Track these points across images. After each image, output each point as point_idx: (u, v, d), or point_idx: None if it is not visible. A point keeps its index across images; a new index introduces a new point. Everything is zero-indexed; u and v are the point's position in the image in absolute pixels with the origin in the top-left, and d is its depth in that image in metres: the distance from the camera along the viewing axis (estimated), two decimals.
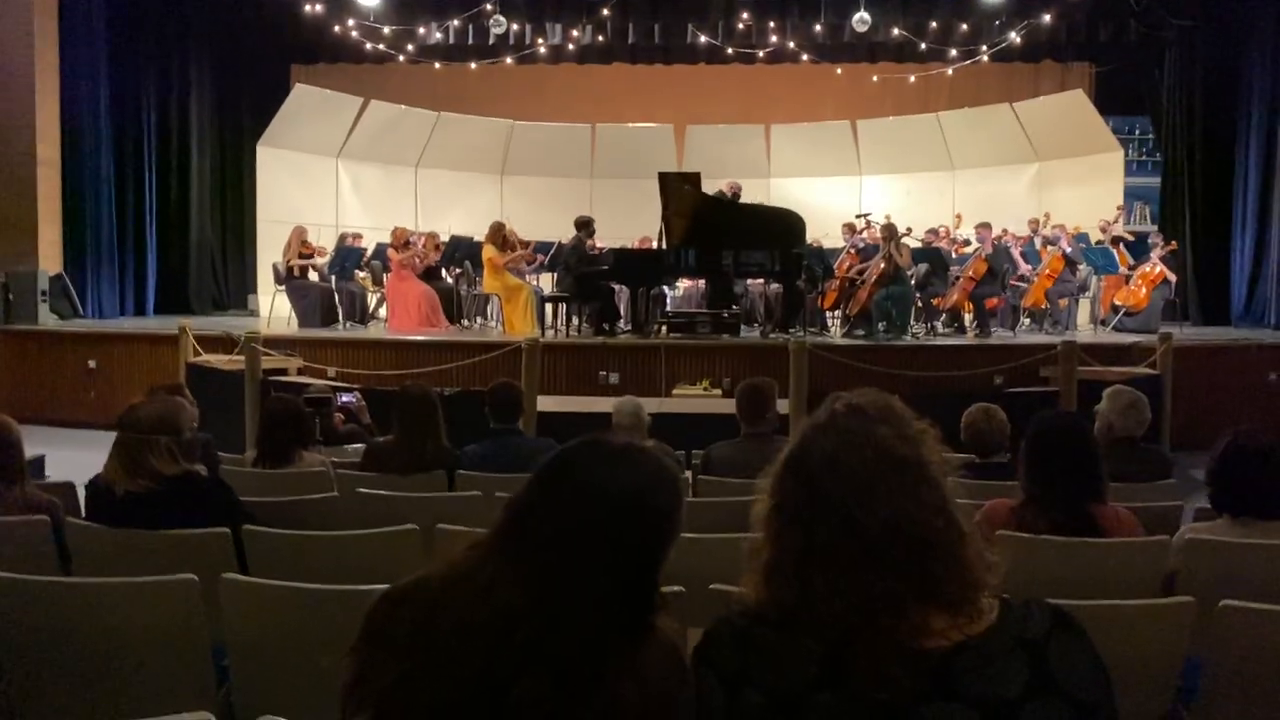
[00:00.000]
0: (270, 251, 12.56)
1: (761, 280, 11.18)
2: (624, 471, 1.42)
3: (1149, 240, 11.88)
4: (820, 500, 1.32)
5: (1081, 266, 11.63)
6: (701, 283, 11.58)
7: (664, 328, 10.37)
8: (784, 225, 10.40)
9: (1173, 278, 11.46)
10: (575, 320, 10.92)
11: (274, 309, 12.00)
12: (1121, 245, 11.99)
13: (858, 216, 12.38)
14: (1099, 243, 11.99)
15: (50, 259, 11.88)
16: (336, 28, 13.62)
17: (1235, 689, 2.26)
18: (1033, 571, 2.70)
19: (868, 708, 1.27)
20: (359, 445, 5.68)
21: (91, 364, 10.19)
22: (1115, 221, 12.38)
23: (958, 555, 1.31)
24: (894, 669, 1.25)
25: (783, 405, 5.73)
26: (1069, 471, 2.87)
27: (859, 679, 1.26)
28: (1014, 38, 13.71)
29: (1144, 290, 11.28)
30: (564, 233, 11.67)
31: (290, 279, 11.60)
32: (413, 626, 1.35)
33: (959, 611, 1.29)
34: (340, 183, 14.35)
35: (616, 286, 10.83)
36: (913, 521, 1.29)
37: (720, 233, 10.22)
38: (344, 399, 6.73)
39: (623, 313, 10.87)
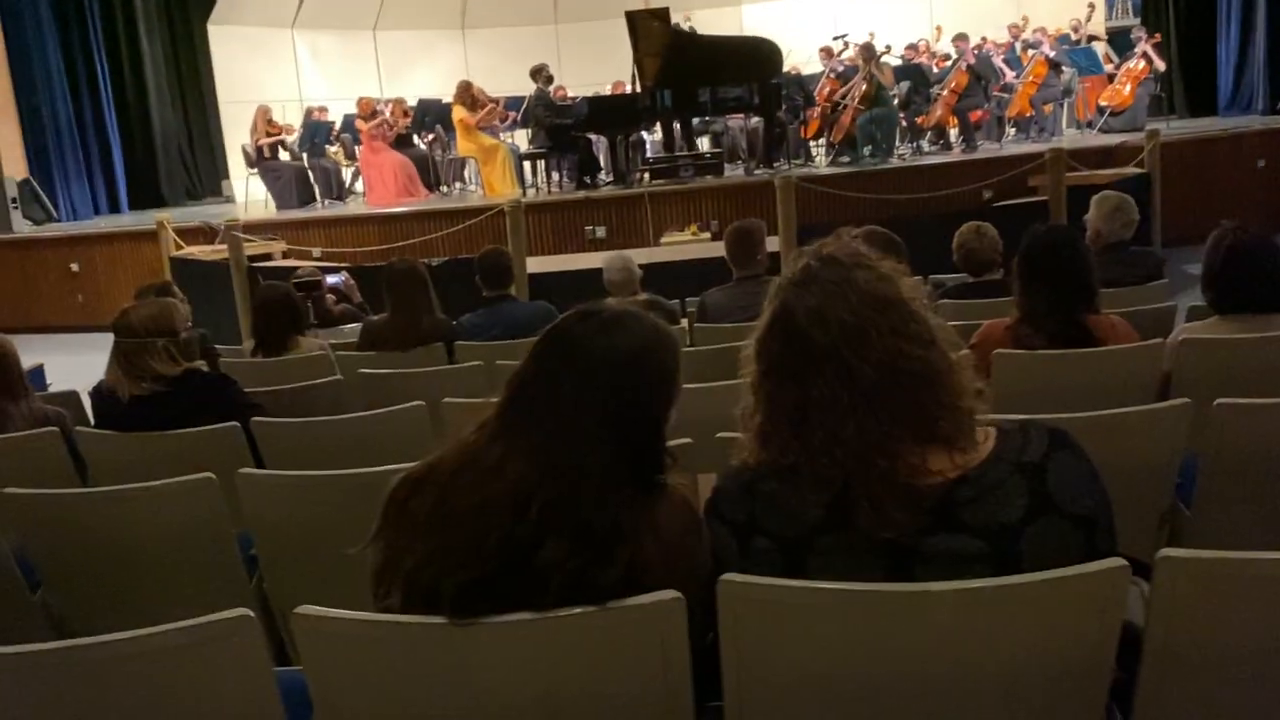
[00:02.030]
0: (237, 134, 12.27)
1: (741, 115, 10.95)
2: (619, 337, 1.43)
3: (1131, 35, 11.58)
4: (813, 354, 1.33)
5: (1065, 69, 11.38)
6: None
7: (646, 175, 10.21)
8: (760, 56, 10.10)
9: (1161, 65, 11.22)
10: (556, 175, 10.76)
11: (249, 193, 11.81)
12: (1102, 44, 11.71)
13: (834, 39, 12.04)
14: (1076, 43, 11.71)
15: (13, 163, 11.62)
16: None
17: (1231, 484, 2.32)
18: (1031, 386, 2.74)
19: (873, 546, 1.31)
20: (355, 325, 5.69)
21: (74, 267, 10.10)
22: (1087, 21, 12.05)
23: (949, 385, 1.33)
24: (894, 508, 1.28)
25: (773, 243, 5.70)
26: (1061, 284, 2.87)
27: (862, 520, 1.30)
28: None
29: (1129, 88, 11.07)
30: (532, 86, 11.36)
31: (261, 160, 11.36)
32: (431, 508, 1.39)
33: (954, 446, 1.32)
34: (298, 54, 13.87)
35: (594, 137, 10.61)
36: (906, 357, 1.31)
37: (694, 69, 9.94)
38: (333, 279, 6.68)
39: (603, 163, 10.69)
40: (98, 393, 3.17)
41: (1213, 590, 1.34)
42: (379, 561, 1.42)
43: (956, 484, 1.31)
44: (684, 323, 4.57)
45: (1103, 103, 11.29)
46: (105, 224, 11.68)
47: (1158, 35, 11.60)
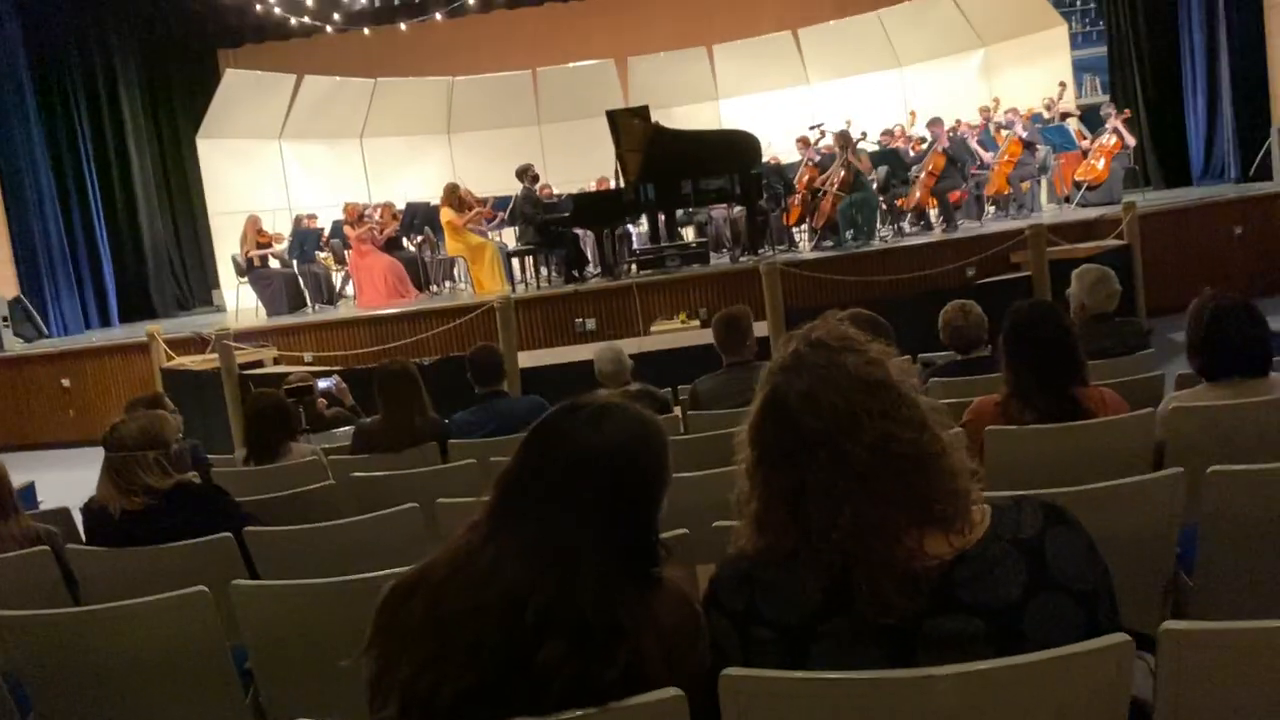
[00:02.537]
0: (227, 244, 12.41)
1: (724, 205, 11.14)
2: (607, 430, 1.43)
3: (1101, 111, 11.87)
4: (805, 439, 1.33)
5: (1040, 147, 11.63)
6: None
7: (634, 266, 10.33)
8: (739, 147, 10.32)
9: (1131, 141, 11.46)
10: (544, 271, 10.86)
11: (240, 301, 11.89)
12: (1075, 121, 11.99)
13: (811, 128, 12.30)
14: (1049, 121, 11.98)
15: (5, 282, 11.71)
16: (258, 6, 13.32)
17: (1232, 551, 2.31)
18: (1024, 462, 2.74)
19: (874, 631, 1.30)
20: (347, 428, 5.68)
21: (65, 383, 10.10)
22: (1060, 99, 12.36)
23: (942, 468, 1.33)
24: (893, 592, 1.27)
25: (760, 328, 5.75)
26: (1047, 359, 2.89)
27: (861, 606, 1.29)
28: None
29: (1103, 162, 11.30)
30: (518, 186, 11.57)
31: (252, 269, 11.47)
32: (425, 615, 1.36)
33: (951, 527, 1.31)
34: (286, 164, 14.12)
35: (580, 232, 10.76)
36: (898, 441, 1.31)
37: (676, 163, 10.14)
38: (324, 383, 6.70)
39: (590, 257, 10.82)
40: (89, 509, 3.14)
41: (1219, 662, 1.33)
42: (373, 671, 1.39)
43: (954, 564, 1.30)
44: (676, 411, 4.58)
45: (1079, 178, 11.51)
46: (96, 338, 11.71)
47: (1127, 111, 11.88)
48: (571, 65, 14.95)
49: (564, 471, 1.40)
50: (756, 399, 1.42)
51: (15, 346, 11.07)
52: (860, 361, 1.36)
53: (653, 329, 9.01)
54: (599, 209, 10.49)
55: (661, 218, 10.84)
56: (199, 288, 14.84)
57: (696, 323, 8.87)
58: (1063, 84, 12.68)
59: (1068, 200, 11.75)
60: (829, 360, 1.36)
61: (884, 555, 1.29)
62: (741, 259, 10.31)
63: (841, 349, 1.38)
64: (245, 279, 11.61)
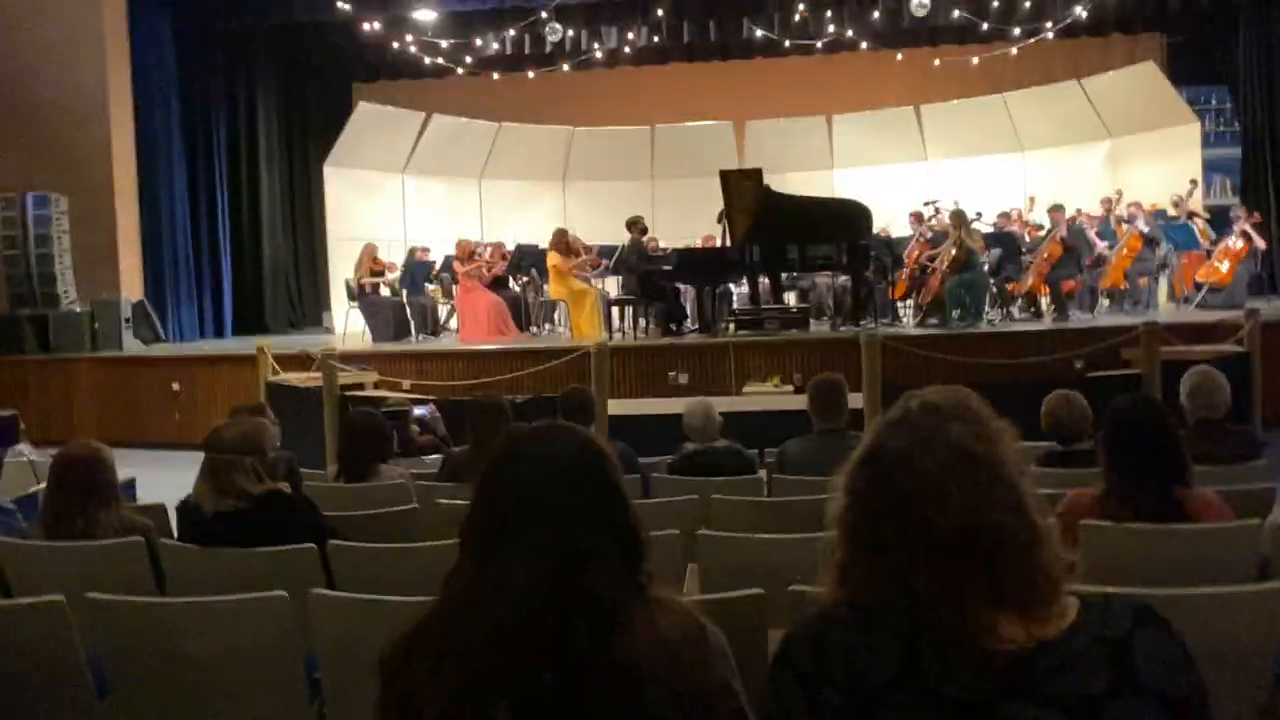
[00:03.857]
0: (342, 268, 12.80)
1: (829, 273, 11.09)
2: (560, 441, 1.46)
3: (1231, 213, 11.50)
4: (893, 497, 1.31)
5: (1161, 244, 11.32)
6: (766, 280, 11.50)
7: (732, 325, 10.33)
8: (850, 216, 10.31)
9: (1261, 244, 11.06)
10: (642, 322, 10.95)
11: (348, 325, 12.24)
12: (1200, 220, 11.64)
13: (925, 204, 12.21)
14: (1174, 218, 11.66)
15: (131, 285, 12.28)
16: (395, 44, 13.84)
17: None
18: (1119, 561, 2.64)
19: (947, 707, 1.26)
20: (436, 456, 5.78)
21: (175, 386, 10.50)
22: (1189, 196, 11.98)
23: (1030, 558, 1.29)
24: (964, 667, 1.24)
25: (855, 400, 5.68)
26: (1149, 457, 2.80)
27: (929, 676, 1.26)
28: (1080, 12, 13.37)
29: (1227, 265, 10.93)
30: (626, 236, 11.72)
31: (363, 295, 11.82)
32: (440, 655, 1.37)
33: (1028, 615, 1.27)
34: (406, 197, 14.58)
35: (682, 286, 10.83)
36: (986, 520, 1.28)
37: (785, 227, 10.16)
38: (419, 411, 6.84)
39: (689, 312, 10.87)
40: (184, 507, 3.26)
41: None
42: None
43: (1036, 652, 1.26)
44: (761, 474, 4.54)
45: (1200, 279, 11.15)
46: (209, 347, 12.18)
47: (1257, 215, 11.49)
48: (690, 124, 15.15)
49: (532, 485, 1.41)
50: (859, 448, 1.41)
51: (133, 347, 11.57)
52: (966, 431, 1.33)
53: (745, 390, 8.98)
54: (703, 265, 10.56)
55: (765, 280, 10.86)
56: (310, 308, 15.34)
57: (790, 388, 8.81)
58: (1194, 181, 12.29)
59: (1187, 301, 11.38)
60: (935, 424, 1.34)
61: (954, 627, 1.25)
62: (842, 328, 10.24)
63: (951, 416, 1.35)
64: (355, 304, 11.96)
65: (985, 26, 13.76)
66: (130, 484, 5.41)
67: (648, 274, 10.48)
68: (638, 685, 1.33)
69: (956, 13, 13.53)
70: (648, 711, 1.33)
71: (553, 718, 1.32)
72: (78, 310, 11.56)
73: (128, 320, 11.66)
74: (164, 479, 5.96)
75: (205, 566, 2.96)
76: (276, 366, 8.95)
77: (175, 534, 3.34)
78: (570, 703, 1.32)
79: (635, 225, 10.98)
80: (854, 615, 1.34)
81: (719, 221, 10.62)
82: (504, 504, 1.43)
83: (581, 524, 1.39)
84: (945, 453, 1.31)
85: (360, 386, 9.07)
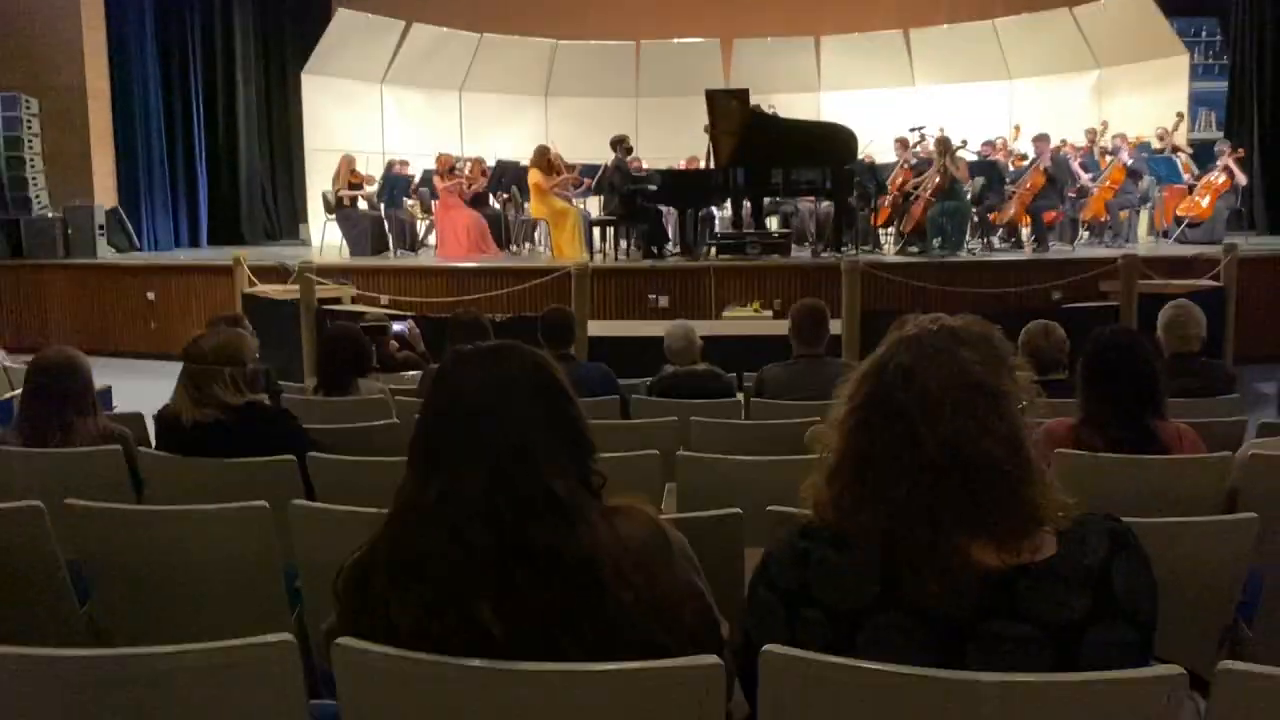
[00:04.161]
0: (319, 180, 12.62)
1: (812, 198, 11.03)
2: (512, 357, 1.47)
3: (1215, 148, 11.47)
4: (889, 409, 1.33)
5: (1144, 177, 11.31)
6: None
7: (713, 249, 10.29)
8: (835, 141, 10.21)
9: (1242, 180, 11.06)
10: (623, 243, 10.89)
11: (325, 237, 12.11)
12: (1184, 155, 11.62)
13: (911, 130, 12.11)
14: (1159, 152, 11.63)
15: (105, 193, 12.06)
16: None
17: None
18: (1092, 489, 2.68)
19: (927, 625, 1.29)
20: (415, 372, 5.77)
21: (150, 296, 10.40)
22: (1174, 130, 11.92)
23: (1017, 492, 1.30)
24: (942, 587, 1.26)
25: (834, 326, 5.69)
26: (1127, 387, 2.83)
27: (911, 596, 1.28)
28: None
29: (1207, 200, 10.95)
30: (609, 155, 11.59)
31: (340, 208, 11.67)
32: (397, 574, 1.39)
33: (1003, 545, 1.29)
34: (385, 109, 14.31)
35: (664, 208, 10.75)
36: (974, 446, 1.29)
37: (770, 151, 10.06)
38: (398, 326, 6.81)
39: (671, 235, 10.81)
40: (161, 417, 3.24)
41: (1274, 708, 1.29)
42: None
43: (1016, 574, 1.28)
44: (739, 396, 4.57)
45: (1180, 213, 11.16)
46: (184, 256, 12.03)
47: (1241, 150, 11.47)
48: (676, 41, 14.90)
49: (481, 394, 1.42)
50: (868, 359, 1.42)
51: (107, 255, 11.41)
52: (975, 358, 1.34)
53: (725, 314, 8.98)
54: (686, 187, 10.48)
55: (748, 204, 10.79)
56: (287, 220, 15.14)
57: (769, 313, 8.82)
58: (1180, 115, 12.21)
59: (1166, 235, 11.42)
60: (945, 347, 1.35)
61: (927, 546, 1.27)
62: (823, 254, 10.23)
63: (965, 342, 1.36)
64: (333, 216, 11.82)
65: None
66: (106, 392, 5.37)
67: (630, 195, 10.39)
68: (603, 583, 1.35)
69: None
70: (617, 610, 1.35)
71: (531, 616, 1.34)
72: (50, 216, 11.36)
73: (101, 227, 11.47)
74: (139, 388, 5.93)
75: (184, 476, 2.96)
76: (253, 278, 8.87)
77: (153, 443, 3.33)
78: (544, 601, 1.34)
79: (620, 145, 10.84)
80: (837, 534, 1.35)
81: (706, 133, 10.48)
82: (451, 415, 1.44)
83: (526, 424, 1.41)
84: (949, 375, 1.32)
85: (338, 300, 9.01)
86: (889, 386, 1.34)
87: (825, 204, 10.81)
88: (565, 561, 1.35)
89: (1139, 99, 12.97)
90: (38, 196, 11.41)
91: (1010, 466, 1.30)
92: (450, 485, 1.39)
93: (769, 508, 2.22)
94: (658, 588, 1.39)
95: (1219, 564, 2.24)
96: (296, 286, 7.93)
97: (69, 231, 11.29)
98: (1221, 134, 13.01)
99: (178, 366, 3.16)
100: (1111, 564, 1.30)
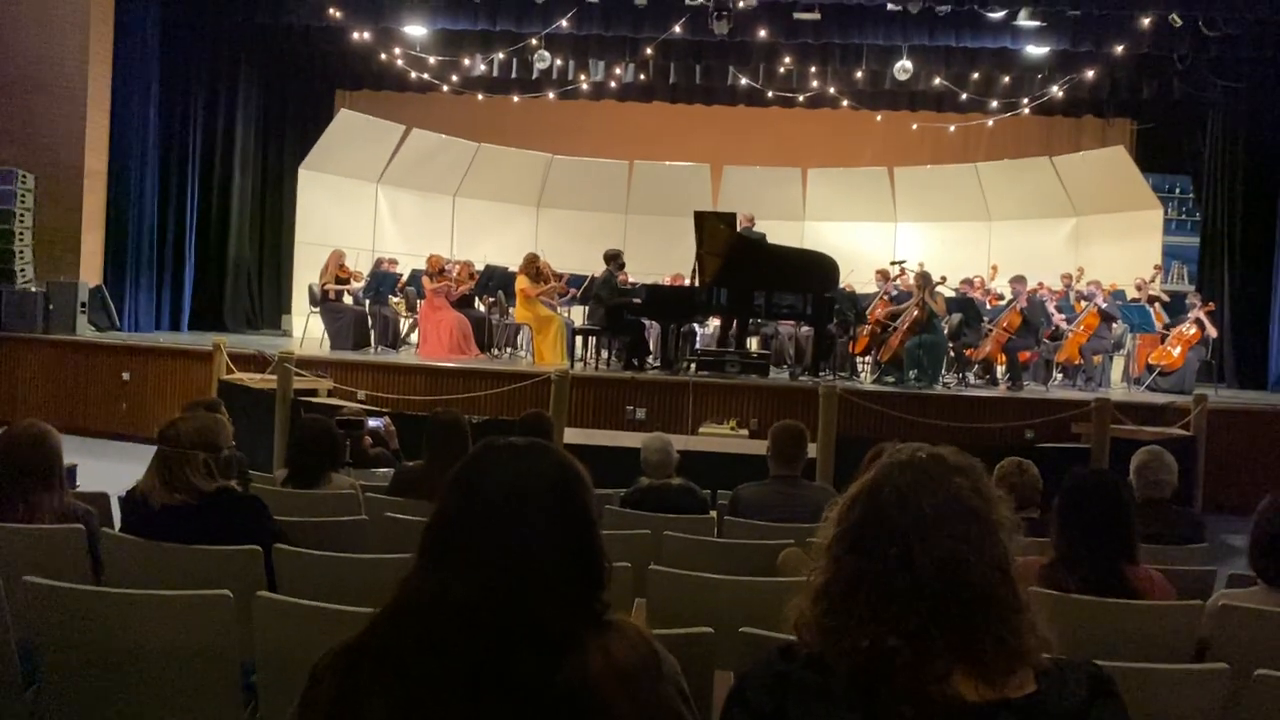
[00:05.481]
0: (306, 272, 12.70)
1: (793, 322, 11.19)
2: (538, 459, 1.43)
3: (1186, 300, 11.78)
4: (884, 531, 1.33)
5: (1117, 323, 11.56)
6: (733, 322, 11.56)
7: (693, 365, 10.38)
8: (817, 268, 10.41)
9: (1212, 333, 11.33)
10: (605, 353, 10.96)
11: (307, 330, 12.12)
12: (1158, 305, 11.91)
13: (892, 263, 12.37)
14: (1134, 300, 11.92)
15: (91, 270, 12.07)
16: (383, 56, 13.84)
17: None
18: (1062, 631, 2.66)
19: None
20: (387, 469, 5.72)
21: (125, 376, 10.32)
22: (1152, 280, 12.27)
23: (1007, 621, 1.30)
24: (920, 715, 1.25)
25: (809, 450, 5.70)
26: (1101, 530, 2.84)
27: (882, 713, 1.26)
28: (1056, 92, 13.73)
29: (1179, 350, 11.18)
30: (597, 266, 11.76)
31: (325, 301, 11.72)
32: (380, 670, 1.34)
33: (987, 677, 1.28)
34: (379, 208, 14.53)
35: (647, 322, 10.86)
36: (968, 571, 1.29)
37: (753, 273, 10.25)
38: (373, 423, 6.77)
39: (652, 348, 10.90)
40: (129, 498, 3.20)
41: None
42: None
43: (998, 708, 1.27)
44: (713, 514, 4.55)
45: (1153, 361, 11.38)
46: (164, 339, 11.98)
47: (1211, 304, 11.78)
48: (668, 163, 15.28)
49: (503, 496, 1.38)
50: (858, 481, 1.42)
51: (86, 332, 11.35)
52: (968, 485, 1.36)
53: (701, 430, 8.99)
54: (670, 303, 10.61)
55: (730, 324, 10.92)
56: (270, 311, 15.16)
57: (745, 432, 8.84)
58: (1157, 267, 12.63)
59: (1138, 382, 11.61)
60: (939, 473, 1.37)
61: (911, 673, 1.26)
62: (801, 378, 10.32)
63: (957, 470, 1.38)
64: (317, 309, 11.85)
65: (964, 97, 14.06)
66: (71, 470, 5.28)
67: (615, 307, 10.51)
68: (585, 714, 1.31)
69: (938, 81, 13.80)
70: None
71: None
72: (33, 290, 11.34)
73: (83, 305, 11.43)
74: (106, 468, 5.86)
75: (148, 559, 2.90)
76: (231, 365, 8.84)
77: (117, 525, 3.27)
78: None
79: (614, 260, 11.00)
80: (818, 658, 1.34)
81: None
82: (467, 511, 1.39)
83: (537, 546, 1.36)
84: (943, 499, 1.33)
85: (314, 393, 8.97)
86: (885, 508, 1.35)
87: (805, 329, 10.96)
88: (547, 693, 1.31)
89: (1114, 248, 13.37)
90: (23, 270, 11.40)
91: (1004, 595, 1.31)
92: (447, 585, 1.34)
93: (742, 629, 2.20)
94: (643, 714, 1.35)
95: (1190, 713, 2.22)
96: (274, 376, 7.91)
97: (50, 306, 11.24)
98: (1194, 287, 13.37)
99: (147, 449, 3.13)
100: (1090, 710, 1.29)
